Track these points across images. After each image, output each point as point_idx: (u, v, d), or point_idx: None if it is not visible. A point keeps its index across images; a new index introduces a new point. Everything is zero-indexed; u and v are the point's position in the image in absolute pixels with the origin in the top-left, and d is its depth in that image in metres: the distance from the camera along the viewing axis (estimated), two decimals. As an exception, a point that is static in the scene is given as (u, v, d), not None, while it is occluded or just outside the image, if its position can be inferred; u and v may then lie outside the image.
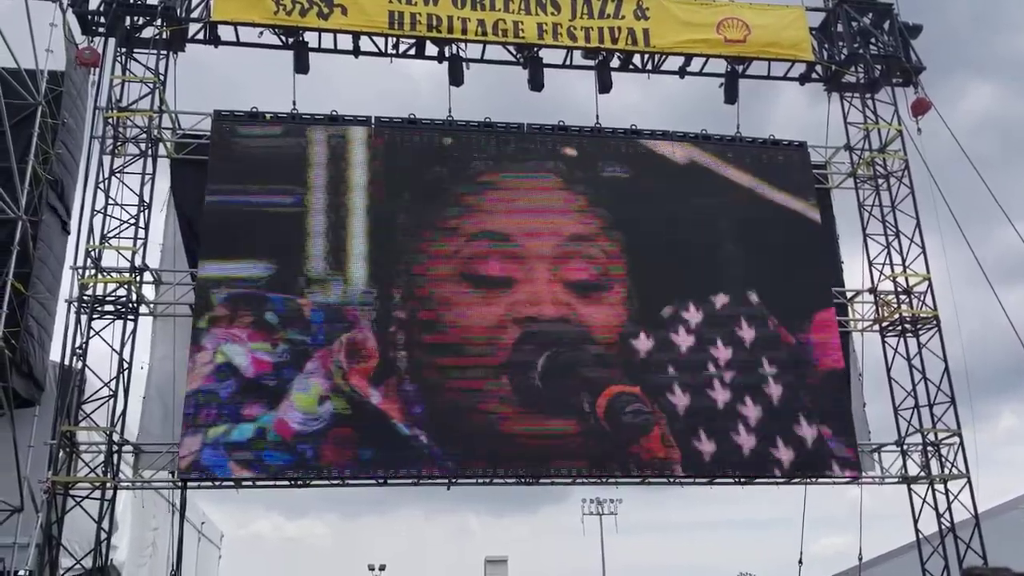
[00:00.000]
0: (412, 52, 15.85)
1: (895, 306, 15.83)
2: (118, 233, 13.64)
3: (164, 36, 14.69)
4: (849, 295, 16.44)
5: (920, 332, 15.74)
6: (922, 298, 15.81)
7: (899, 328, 15.84)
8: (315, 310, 13.76)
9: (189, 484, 13.42)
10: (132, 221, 13.67)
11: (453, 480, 13.74)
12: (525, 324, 14.22)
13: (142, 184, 13.89)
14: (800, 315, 15.34)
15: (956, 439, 15.13)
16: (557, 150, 15.54)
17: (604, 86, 16.19)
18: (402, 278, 14.25)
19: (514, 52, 16.04)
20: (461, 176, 15.12)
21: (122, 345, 13.12)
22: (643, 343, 14.52)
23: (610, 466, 14.09)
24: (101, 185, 13.73)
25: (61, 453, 12.37)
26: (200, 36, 15.22)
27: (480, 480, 13.95)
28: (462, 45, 15.80)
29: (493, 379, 13.91)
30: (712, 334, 14.83)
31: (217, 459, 12.73)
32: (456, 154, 15.25)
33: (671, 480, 14.40)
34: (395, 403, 13.49)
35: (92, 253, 13.34)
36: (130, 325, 13.33)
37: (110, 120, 14.07)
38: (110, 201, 13.70)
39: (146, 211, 13.85)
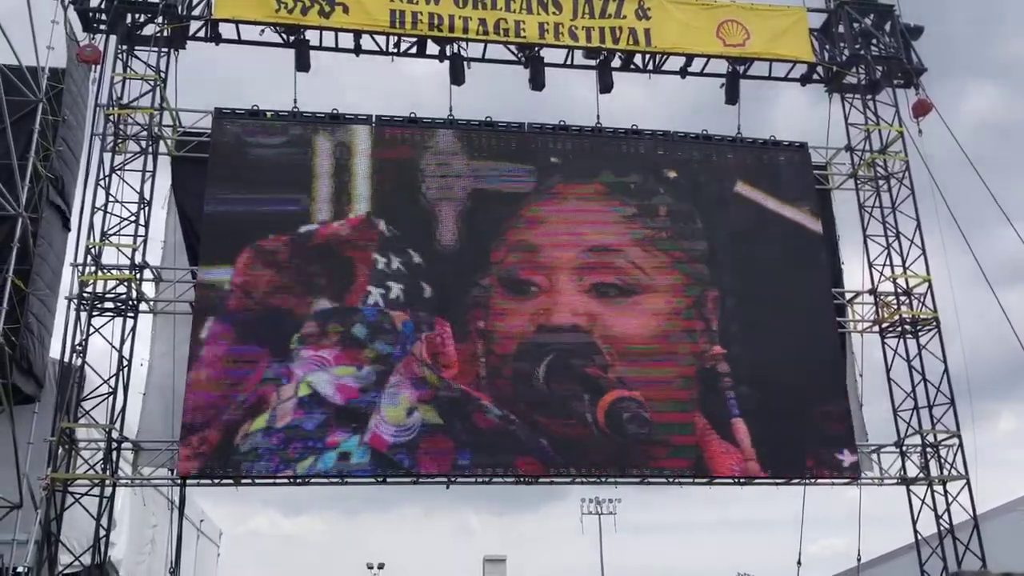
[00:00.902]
0: (413, 51, 15.86)
1: (895, 307, 15.83)
2: (118, 230, 13.65)
3: (165, 33, 14.70)
4: (849, 296, 16.45)
5: (920, 333, 15.74)
6: (922, 299, 15.81)
7: (899, 329, 15.84)
8: (406, 321, 13.82)
9: (188, 482, 13.43)
10: (132, 218, 13.68)
11: (452, 479, 13.74)
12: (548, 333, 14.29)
13: (142, 181, 13.90)
14: (802, 323, 15.36)
15: (955, 440, 15.13)
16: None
17: (605, 86, 16.18)
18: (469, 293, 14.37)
19: (515, 51, 16.04)
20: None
21: (122, 342, 13.13)
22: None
23: (610, 469, 14.11)
24: (102, 182, 13.74)
25: (60, 450, 12.38)
26: (201, 34, 15.22)
27: (479, 479, 13.94)
28: (463, 44, 15.82)
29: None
30: (713, 338, 14.88)
31: None
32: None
33: (670, 480, 14.39)
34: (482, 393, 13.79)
35: (92, 250, 13.36)
36: (130, 322, 13.34)
37: (111, 117, 14.08)
38: (110, 198, 13.71)
39: (146, 208, 13.85)
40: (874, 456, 15.46)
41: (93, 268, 13.35)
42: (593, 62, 16.32)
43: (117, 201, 13.76)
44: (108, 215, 13.63)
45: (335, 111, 15.12)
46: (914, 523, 15.19)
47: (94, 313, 13.24)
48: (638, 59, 16.50)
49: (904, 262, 16.01)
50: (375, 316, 13.82)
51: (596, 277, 14.75)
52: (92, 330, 13.14)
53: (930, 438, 15.24)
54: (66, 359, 12.88)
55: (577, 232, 15.03)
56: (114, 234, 13.62)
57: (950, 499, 14.93)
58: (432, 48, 15.78)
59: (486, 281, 14.48)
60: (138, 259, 13.60)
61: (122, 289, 13.40)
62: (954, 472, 14.97)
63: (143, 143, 14.18)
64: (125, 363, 13.07)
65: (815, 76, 17.20)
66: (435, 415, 13.44)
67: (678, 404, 14.41)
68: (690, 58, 16.56)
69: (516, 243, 14.81)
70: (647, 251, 15.10)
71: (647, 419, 14.06)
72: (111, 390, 12.86)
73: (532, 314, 14.34)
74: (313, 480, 13.51)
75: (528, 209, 15.07)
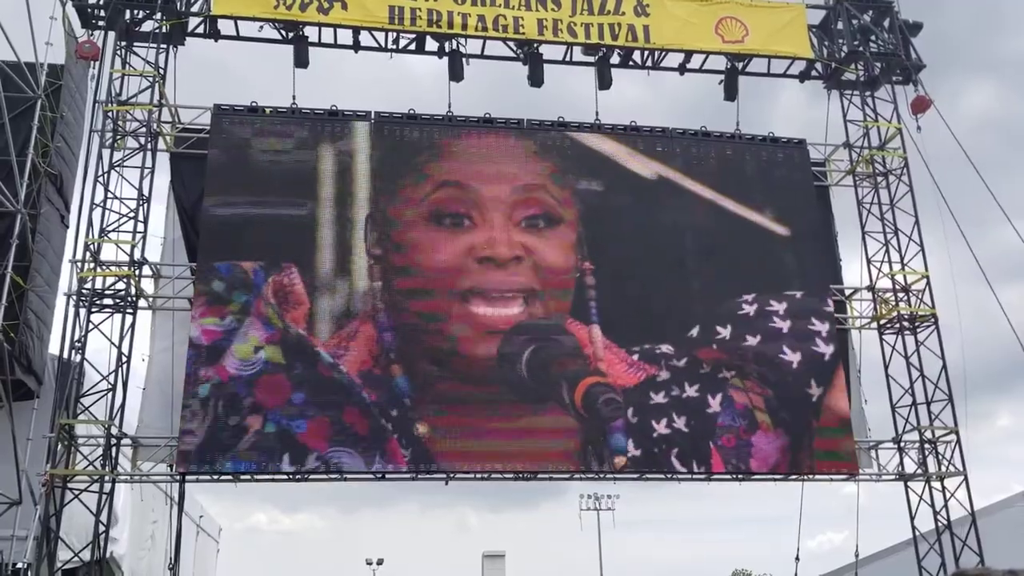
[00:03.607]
0: (412, 47, 15.87)
1: (893, 304, 15.85)
2: (117, 227, 13.67)
3: (164, 30, 14.70)
4: (847, 292, 16.47)
5: (918, 330, 15.77)
6: (920, 296, 15.84)
7: (897, 326, 15.87)
8: (256, 270, 13.94)
9: (187, 478, 13.45)
10: (131, 215, 13.69)
11: (451, 475, 13.76)
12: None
13: (141, 178, 13.90)
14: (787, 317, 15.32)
15: (953, 437, 15.16)
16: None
17: (604, 82, 16.19)
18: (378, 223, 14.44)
19: (514, 48, 16.05)
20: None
21: (121, 338, 13.15)
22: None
23: (591, 457, 14.02)
24: (100, 179, 13.74)
25: (59, 446, 12.40)
26: (200, 30, 15.21)
27: (479, 476, 13.97)
28: (462, 40, 15.81)
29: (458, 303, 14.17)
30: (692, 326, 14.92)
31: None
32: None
33: (668, 476, 14.41)
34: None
35: (91, 247, 13.36)
36: (129, 319, 13.36)
37: (109, 114, 14.08)
38: (109, 195, 13.72)
39: (145, 205, 13.86)
40: (872, 452, 15.49)
41: (92, 264, 13.36)
42: (592, 58, 16.31)
43: (116, 197, 13.77)
44: (107, 211, 13.64)
45: (333, 107, 15.11)
46: (912, 519, 15.24)
47: (93, 309, 13.25)
48: (637, 56, 16.50)
49: (902, 259, 16.04)
50: (228, 270, 13.91)
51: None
52: (91, 326, 13.16)
53: (928, 434, 15.27)
54: (65, 355, 12.90)
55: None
56: (113, 230, 13.64)
57: (948, 495, 14.96)
58: (431, 44, 15.78)
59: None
60: (137, 255, 13.62)
61: (121, 285, 13.42)
62: (952, 468, 15.01)
63: (142, 139, 14.17)
64: (124, 359, 13.09)
65: (814, 72, 17.21)
66: (279, 355, 13.59)
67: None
68: (689, 54, 16.56)
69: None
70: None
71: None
72: (110, 386, 12.88)
73: None
74: (312, 477, 13.54)
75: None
